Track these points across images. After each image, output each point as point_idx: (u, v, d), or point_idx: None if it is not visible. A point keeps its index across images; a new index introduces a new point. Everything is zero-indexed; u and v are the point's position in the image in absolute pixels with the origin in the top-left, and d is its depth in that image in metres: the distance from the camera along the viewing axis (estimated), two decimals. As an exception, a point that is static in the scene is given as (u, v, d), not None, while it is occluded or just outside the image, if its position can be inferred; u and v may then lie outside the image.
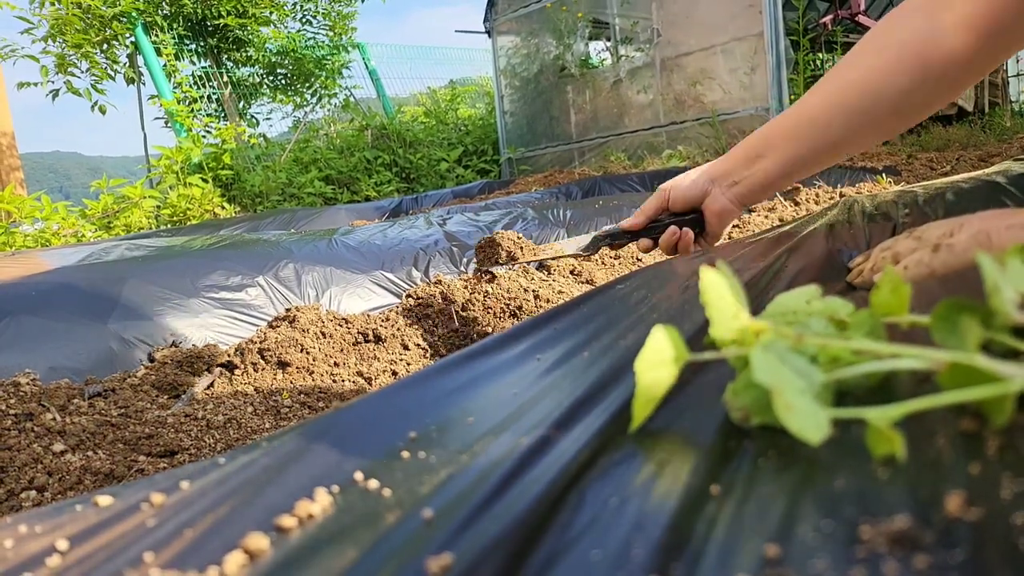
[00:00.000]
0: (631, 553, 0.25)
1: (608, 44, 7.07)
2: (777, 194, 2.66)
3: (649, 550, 0.25)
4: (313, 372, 1.32)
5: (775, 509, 0.26)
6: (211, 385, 1.26)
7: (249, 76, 7.43)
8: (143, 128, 6.57)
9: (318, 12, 7.64)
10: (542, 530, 0.28)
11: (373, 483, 0.38)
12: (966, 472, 0.25)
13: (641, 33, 6.23)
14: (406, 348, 1.45)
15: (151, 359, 1.33)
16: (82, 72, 6.24)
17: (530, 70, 7.16)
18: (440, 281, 1.70)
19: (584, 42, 6.79)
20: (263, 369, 1.31)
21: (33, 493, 0.84)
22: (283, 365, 1.32)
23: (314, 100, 7.85)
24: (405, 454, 0.42)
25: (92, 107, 6.20)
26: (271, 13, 7.03)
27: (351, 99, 8.02)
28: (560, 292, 1.67)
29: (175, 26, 6.68)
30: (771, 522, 0.25)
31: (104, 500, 0.51)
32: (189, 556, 0.34)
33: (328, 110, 7.99)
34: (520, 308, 1.55)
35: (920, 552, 0.21)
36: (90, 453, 0.92)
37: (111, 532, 0.41)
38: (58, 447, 0.93)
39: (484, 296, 1.58)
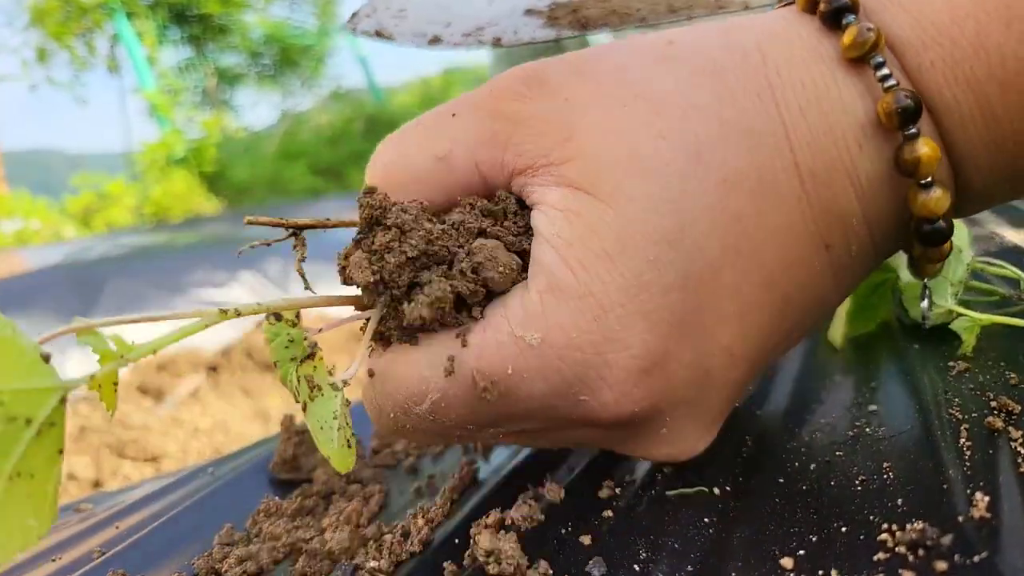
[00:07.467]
0: (646, 570, 0.24)
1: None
2: None
3: (663, 565, 0.24)
4: (301, 371, 1.31)
5: (788, 517, 0.25)
6: (197, 388, 1.24)
7: (235, 66, 7.32)
8: (124, 122, 6.48)
9: (303, -5, 7.49)
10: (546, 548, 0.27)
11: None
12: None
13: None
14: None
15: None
16: (63, 64, 6.15)
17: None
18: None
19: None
20: (250, 371, 1.30)
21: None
22: (271, 366, 1.30)
23: (301, 87, 7.73)
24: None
25: (74, 101, 6.11)
26: (255, -2, 6.89)
27: (339, 87, 7.90)
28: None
29: (157, 14, 6.57)
30: (785, 531, 0.24)
31: (88, 507, 0.49)
32: (174, 566, 0.33)
33: (316, 99, 7.88)
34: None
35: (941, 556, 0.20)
36: (73, 459, 0.90)
37: (96, 541, 0.39)
38: (40, 451, 0.91)
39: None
